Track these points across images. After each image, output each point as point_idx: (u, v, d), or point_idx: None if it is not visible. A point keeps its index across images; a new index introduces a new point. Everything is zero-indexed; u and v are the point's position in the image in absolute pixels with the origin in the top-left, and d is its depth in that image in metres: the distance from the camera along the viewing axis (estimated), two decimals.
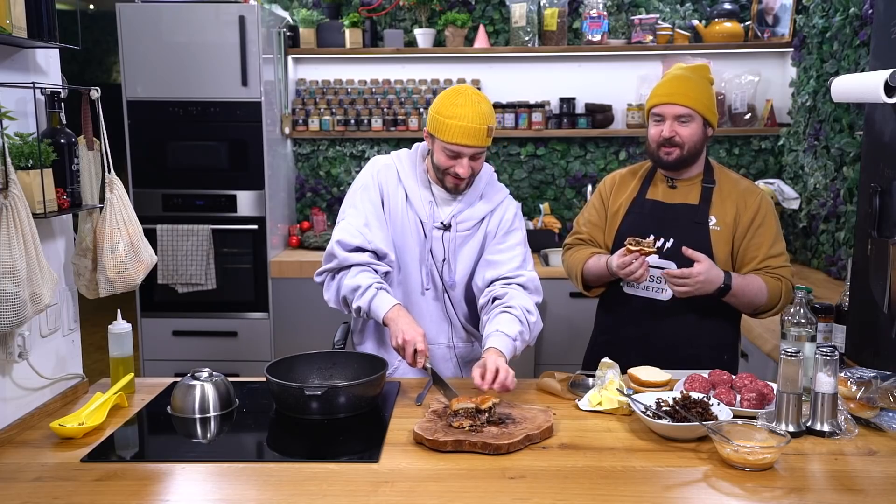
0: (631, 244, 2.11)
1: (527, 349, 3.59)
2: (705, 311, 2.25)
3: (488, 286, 2.16)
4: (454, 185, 2.11)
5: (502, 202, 2.22)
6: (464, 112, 2.00)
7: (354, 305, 2.06)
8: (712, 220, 2.23)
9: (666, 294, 2.24)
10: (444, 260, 2.16)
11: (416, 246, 2.18)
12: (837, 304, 2.29)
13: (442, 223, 2.16)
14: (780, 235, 2.27)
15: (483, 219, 2.19)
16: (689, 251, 2.11)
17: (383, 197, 2.16)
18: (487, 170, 2.24)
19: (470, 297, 2.24)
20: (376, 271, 2.11)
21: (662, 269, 2.19)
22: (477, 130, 2.00)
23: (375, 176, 2.18)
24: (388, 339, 2.20)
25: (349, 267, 2.10)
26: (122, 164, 3.72)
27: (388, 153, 2.26)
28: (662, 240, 2.24)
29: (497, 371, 1.88)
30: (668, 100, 2.19)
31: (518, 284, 2.13)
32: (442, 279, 2.18)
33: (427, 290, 2.19)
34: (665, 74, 2.32)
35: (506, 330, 2.01)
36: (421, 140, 2.22)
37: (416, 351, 1.94)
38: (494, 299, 2.11)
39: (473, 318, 2.26)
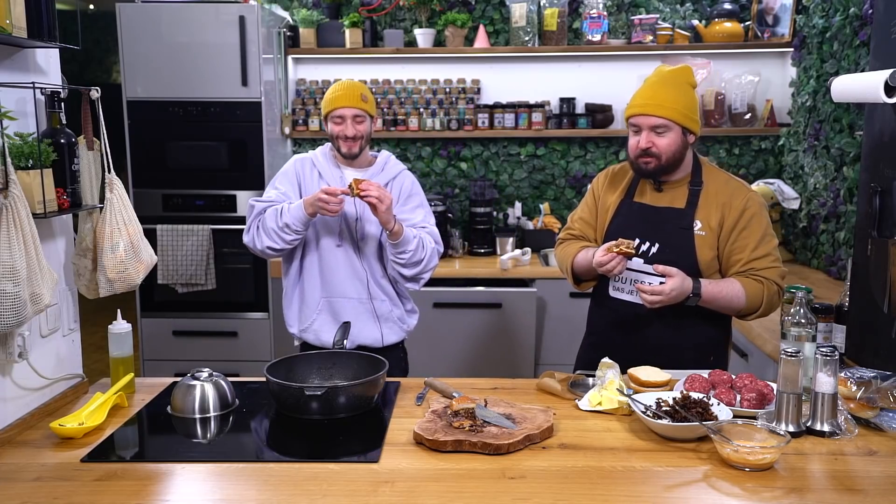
0: (613, 247, 2.12)
1: (528, 349, 3.64)
2: (687, 314, 2.20)
3: None
4: (348, 149, 2.47)
5: (400, 173, 2.58)
6: (337, 87, 2.47)
7: (281, 223, 2.37)
8: (697, 225, 2.19)
9: None
10: (357, 219, 2.49)
11: None
12: (837, 304, 2.29)
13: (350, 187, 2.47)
14: (767, 237, 2.19)
15: (386, 185, 2.51)
16: (659, 267, 2.09)
17: (300, 180, 2.54)
18: (386, 154, 2.63)
19: (381, 258, 2.51)
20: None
21: (647, 272, 2.16)
22: (349, 95, 2.43)
23: (293, 165, 2.57)
24: (307, 299, 2.55)
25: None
26: (122, 164, 3.72)
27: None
28: (648, 244, 2.21)
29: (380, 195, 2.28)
30: (642, 111, 2.14)
31: (427, 234, 2.49)
32: (355, 234, 2.49)
33: (339, 245, 2.49)
34: (645, 80, 2.25)
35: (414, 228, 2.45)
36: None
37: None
38: None
39: (387, 281, 2.52)
